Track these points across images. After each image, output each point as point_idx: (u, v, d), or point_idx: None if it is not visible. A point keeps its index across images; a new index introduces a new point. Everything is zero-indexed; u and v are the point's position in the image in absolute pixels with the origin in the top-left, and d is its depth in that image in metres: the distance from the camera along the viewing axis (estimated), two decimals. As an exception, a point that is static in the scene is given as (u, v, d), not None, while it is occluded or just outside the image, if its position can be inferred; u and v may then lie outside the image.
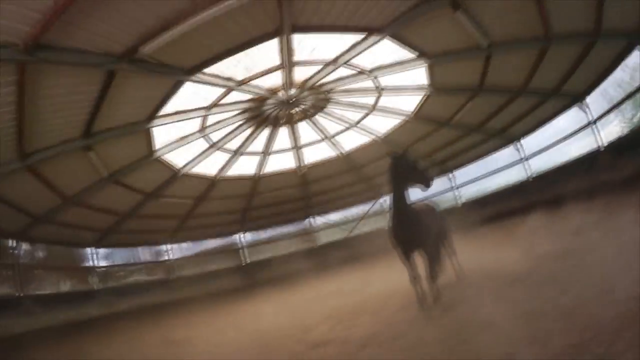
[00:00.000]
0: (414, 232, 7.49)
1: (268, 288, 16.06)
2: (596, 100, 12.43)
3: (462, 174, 18.99)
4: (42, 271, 13.92)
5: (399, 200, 7.34)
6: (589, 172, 12.53)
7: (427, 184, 7.20)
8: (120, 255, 17.21)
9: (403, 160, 7.31)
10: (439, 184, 19.09)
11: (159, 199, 14.66)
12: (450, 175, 19.18)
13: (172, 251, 18.79)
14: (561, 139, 14.45)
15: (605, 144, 12.35)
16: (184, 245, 19.36)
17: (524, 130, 15.36)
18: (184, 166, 14.05)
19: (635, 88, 11.10)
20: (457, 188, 19.06)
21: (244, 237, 20.88)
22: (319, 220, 22.01)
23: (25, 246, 13.16)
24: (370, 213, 20.95)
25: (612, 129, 12.40)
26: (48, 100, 8.26)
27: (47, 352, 9.57)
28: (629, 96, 11.43)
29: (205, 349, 8.41)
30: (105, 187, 12.30)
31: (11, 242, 12.50)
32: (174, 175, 14.04)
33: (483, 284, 7.84)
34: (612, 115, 12.26)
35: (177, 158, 13.60)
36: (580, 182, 12.74)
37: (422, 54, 10.70)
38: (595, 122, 12.56)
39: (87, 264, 15.57)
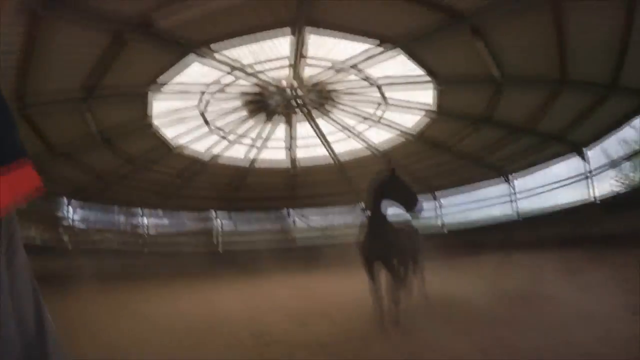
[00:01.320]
0: (383, 247, 7.38)
1: (235, 277, 15.96)
2: (596, 154, 12.39)
3: (450, 202, 18.74)
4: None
5: (376, 215, 7.30)
6: (577, 223, 12.49)
7: (414, 207, 7.11)
8: (96, 217, 16.93)
9: (395, 179, 7.27)
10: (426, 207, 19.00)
11: (146, 169, 14.52)
12: (437, 202, 18.84)
13: (149, 223, 18.57)
14: (554, 184, 14.46)
15: (599, 199, 12.26)
16: (162, 219, 19.22)
17: (517, 168, 15.24)
18: (178, 141, 14.00)
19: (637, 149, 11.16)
20: (442, 215, 18.77)
21: (222, 224, 20.66)
22: (300, 221, 21.70)
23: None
24: (352, 223, 20.82)
25: (606, 185, 12.38)
26: (53, 55, 8.29)
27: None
28: (630, 156, 11.49)
29: (160, 326, 8.34)
30: (95, 146, 12.15)
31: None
32: (168, 150, 14.00)
33: (444, 315, 7.84)
34: (610, 172, 12.23)
35: (172, 133, 13.56)
36: (566, 231, 12.79)
37: (433, 75, 10.70)
38: (591, 174, 12.49)
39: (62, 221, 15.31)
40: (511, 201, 15.79)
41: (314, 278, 15.43)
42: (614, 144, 11.80)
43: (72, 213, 15.62)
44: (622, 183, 11.93)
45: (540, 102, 10.62)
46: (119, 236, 17.78)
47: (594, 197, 12.36)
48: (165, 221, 19.30)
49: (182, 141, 14.04)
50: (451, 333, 6.65)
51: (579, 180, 12.92)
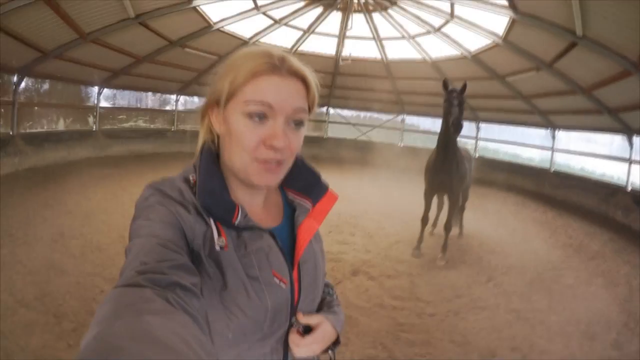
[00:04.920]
0: (450, 177, 7.10)
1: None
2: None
3: (488, 130, 17.54)
4: (40, 109, 12.73)
5: (449, 135, 6.82)
6: (604, 200, 11.79)
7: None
8: (125, 99, 15.93)
9: (461, 95, 6.60)
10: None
11: (183, 48, 13.17)
12: (477, 125, 17.51)
13: (178, 103, 17.59)
14: (595, 154, 13.46)
15: (632, 188, 11.21)
16: (192, 99, 18.11)
17: (563, 125, 13.96)
18: (220, 21, 12.56)
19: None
20: (479, 139, 17.55)
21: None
22: (333, 112, 20.68)
23: (26, 83, 11.78)
24: (386, 124, 19.89)
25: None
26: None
27: (30, 194, 9.01)
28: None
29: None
30: (129, 27, 10.70)
31: (14, 78, 10.91)
32: (207, 27, 12.54)
33: (478, 254, 7.92)
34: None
35: (215, 12, 12.14)
36: (591, 203, 12.20)
37: (512, 5, 9.29)
38: (633, 162, 11.30)
39: (88, 104, 14.28)
40: (552, 151, 14.56)
41: (345, 175, 14.86)
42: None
43: (101, 96, 14.48)
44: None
45: (608, 73, 9.25)
46: (146, 115, 16.99)
47: (629, 185, 11.28)
48: (194, 99, 18.19)
49: (224, 22, 12.67)
50: (484, 280, 6.78)
51: (619, 162, 11.85)
